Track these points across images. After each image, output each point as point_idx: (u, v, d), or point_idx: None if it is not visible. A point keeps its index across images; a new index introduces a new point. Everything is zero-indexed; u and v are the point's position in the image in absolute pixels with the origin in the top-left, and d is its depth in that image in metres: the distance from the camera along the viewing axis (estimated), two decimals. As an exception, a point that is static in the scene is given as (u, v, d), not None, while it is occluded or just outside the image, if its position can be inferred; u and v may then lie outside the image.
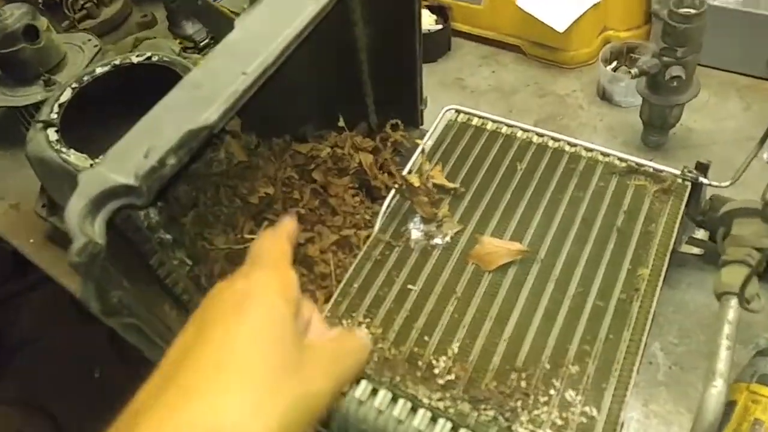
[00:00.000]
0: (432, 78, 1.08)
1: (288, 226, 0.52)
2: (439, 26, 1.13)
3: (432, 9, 1.15)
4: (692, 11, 0.75)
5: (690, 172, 0.71)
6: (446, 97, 0.82)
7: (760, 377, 0.61)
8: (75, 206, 0.44)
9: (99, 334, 1.89)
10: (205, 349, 0.37)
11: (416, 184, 0.69)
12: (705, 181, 0.70)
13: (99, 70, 0.90)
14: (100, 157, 0.55)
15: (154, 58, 0.92)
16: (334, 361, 0.44)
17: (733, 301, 0.55)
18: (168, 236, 0.57)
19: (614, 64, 1.03)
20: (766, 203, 0.49)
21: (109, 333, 1.85)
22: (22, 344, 2.01)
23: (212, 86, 0.53)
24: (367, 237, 0.72)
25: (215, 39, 1.11)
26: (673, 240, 0.67)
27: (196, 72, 0.55)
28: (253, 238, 0.73)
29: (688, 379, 0.70)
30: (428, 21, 1.13)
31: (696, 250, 0.74)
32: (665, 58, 0.80)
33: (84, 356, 1.90)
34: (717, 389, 0.51)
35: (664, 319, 0.74)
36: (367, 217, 0.80)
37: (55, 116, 0.85)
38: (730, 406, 0.60)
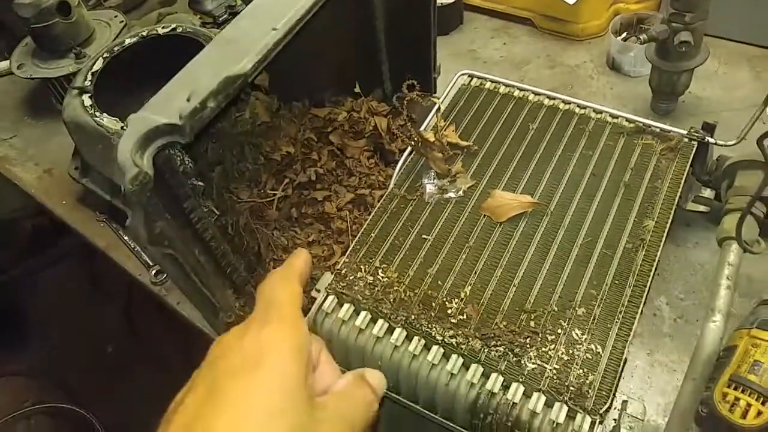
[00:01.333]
0: (445, 50, 1.11)
1: (298, 264, 0.50)
2: (452, 0, 1.15)
3: (445, -17, 1.17)
4: (700, -24, 0.78)
5: (696, 132, 0.74)
6: (459, 68, 0.84)
7: (761, 323, 0.63)
8: (126, 144, 0.48)
9: (113, 310, 1.95)
10: (220, 417, 0.35)
11: (431, 139, 0.72)
12: (711, 140, 0.73)
13: (128, 41, 0.95)
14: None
15: (179, 29, 0.96)
16: (343, 420, 0.42)
17: (734, 245, 0.58)
18: (200, 183, 0.61)
19: (624, 34, 1.05)
20: (760, 142, 0.51)
21: (124, 308, 1.91)
22: (40, 320, 2.08)
23: (245, 41, 0.56)
24: (382, 196, 0.75)
25: (238, 11, 1.15)
26: (678, 194, 0.69)
27: (228, 30, 0.58)
28: (275, 194, 0.77)
29: (692, 331, 0.73)
30: (441, -5, 1.16)
31: (702, 208, 0.77)
32: (674, 24, 0.82)
33: (98, 332, 1.96)
34: (716, 324, 0.54)
35: (671, 274, 0.77)
36: (381, 178, 0.84)
37: (89, 83, 0.89)
38: (730, 350, 0.63)
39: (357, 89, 0.87)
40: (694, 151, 0.73)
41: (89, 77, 0.89)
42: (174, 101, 0.50)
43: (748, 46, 1.02)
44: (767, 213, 0.62)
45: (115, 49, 0.92)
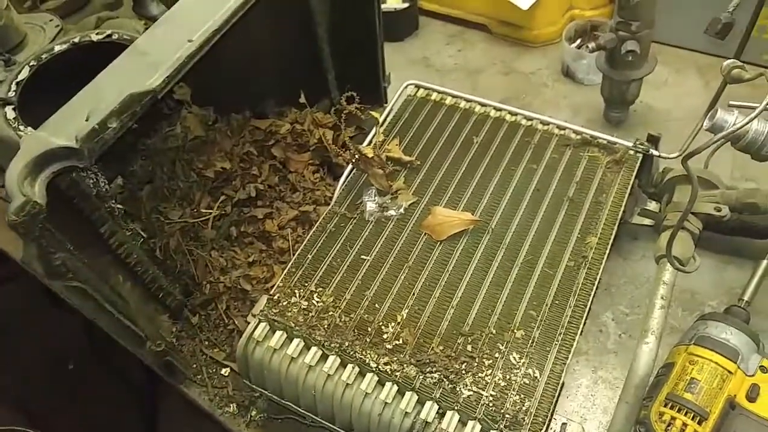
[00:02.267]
0: (398, 57, 1.09)
1: None
2: (406, 4, 1.13)
3: (399, -12, 1.15)
4: (644, -14, 0.76)
5: (642, 144, 0.72)
6: (412, 76, 0.82)
7: (698, 339, 0.62)
8: (15, 168, 0.45)
9: (73, 325, 1.89)
10: None
11: (370, 155, 0.70)
12: (655, 152, 0.72)
13: (58, 48, 0.90)
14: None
15: (114, 36, 0.91)
16: None
17: (669, 264, 0.57)
18: (119, 206, 0.58)
19: (578, 42, 1.03)
20: (684, 161, 0.50)
21: (84, 324, 1.85)
22: (-4, 340, 2.00)
23: (157, 53, 0.53)
24: (327, 212, 0.72)
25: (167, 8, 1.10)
26: (622, 209, 0.68)
27: (142, 40, 0.55)
28: (210, 212, 0.74)
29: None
30: (395, 0, 1.13)
31: (647, 222, 0.75)
32: (621, 33, 0.81)
33: (58, 348, 1.90)
34: (649, 346, 0.52)
35: (617, 289, 0.76)
36: (328, 193, 0.81)
37: (13, 94, 0.84)
38: (668, 367, 0.62)
39: (302, 99, 0.84)
40: (639, 163, 0.72)
41: (13, 87, 0.84)
42: (73, 120, 0.47)
43: (699, 54, 1.01)
44: (702, 229, 0.60)
45: (43, 56, 0.87)
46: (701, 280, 0.75)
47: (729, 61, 0.53)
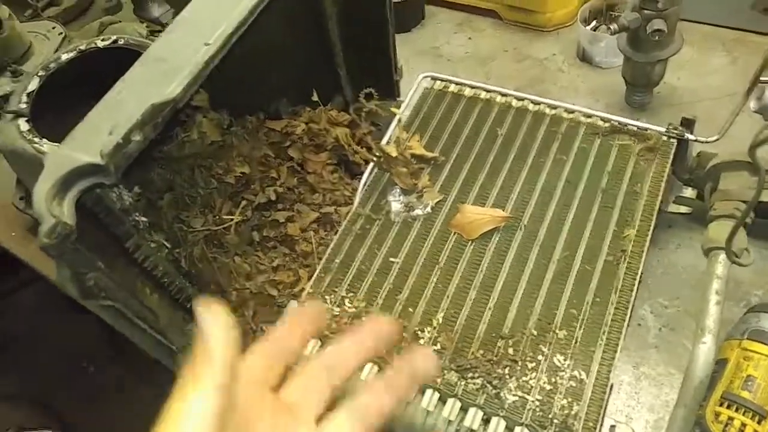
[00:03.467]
0: (407, 48, 1.06)
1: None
2: (412, -6, 1.10)
3: (405, -23, 1.12)
4: (670, -38, 0.73)
5: (675, 128, 0.70)
6: (422, 67, 0.80)
7: (752, 333, 0.60)
8: (42, 188, 0.43)
9: (93, 328, 1.89)
10: None
11: (394, 154, 0.67)
12: (691, 137, 0.69)
13: (65, 57, 0.87)
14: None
15: (120, 42, 0.89)
16: None
17: (722, 256, 0.54)
18: (143, 219, 0.55)
19: (594, 23, 1.00)
20: (752, 152, 0.47)
21: (103, 326, 1.86)
22: (17, 340, 2.01)
23: (174, 59, 0.51)
24: (348, 213, 0.70)
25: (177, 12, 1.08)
26: (659, 199, 0.65)
27: (156, 46, 0.53)
28: (231, 219, 0.72)
29: (679, 340, 0.69)
30: (402, -10, 1.10)
31: (684, 209, 0.73)
32: (646, 11, 0.78)
33: (79, 351, 1.90)
34: (707, 345, 0.50)
35: (654, 281, 0.73)
36: (347, 193, 0.79)
37: (25, 106, 0.82)
38: (721, 363, 0.60)
39: (315, 97, 0.81)
40: (674, 149, 0.69)
41: (24, 99, 0.82)
42: (96, 134, 0.45)
43: (723, 29, 0.98)
44: (755, 219, 0.58)
45: (51, 66, 0.85)
46: (746, 269, 0.72)
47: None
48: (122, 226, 0.54)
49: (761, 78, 0.73)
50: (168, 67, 0.50)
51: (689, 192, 0.72)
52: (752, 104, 0.58)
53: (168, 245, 0.65)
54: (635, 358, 0.68)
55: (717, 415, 0.56)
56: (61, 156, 0.46)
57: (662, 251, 0.75)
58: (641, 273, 0.60)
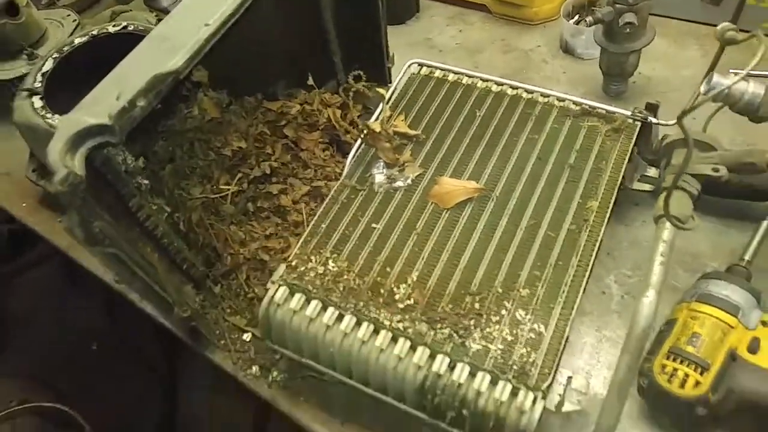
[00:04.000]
0: (401, 39, 1.12)
1: None
2: (408, -12, 1.16)
3: (401, -29, 1.18)
4: (639, -42, 0.79)
5: (640, 112, 0.75)
6: (414, 56, 0.85)
7: (700, 296, 0.65)
8: (55, 145, 0.49)
9: (94, 308, 1.96)
10: None
11: (377, 129, 0.73)
12: (654, 120, 0.75)
13: (78, 41, 0.94)
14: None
15: (130, 27, 0.95)
16: None
17: (668, 223, 0.60)
18: (145, 182, 0.61)
19: (576, 18, 1.06)
20: (679, 120, 0.53)
21: (104, 306, 1.92)
22: (22, 320, 2.08)
23: (177, 38, 0.57)
24: (337, 186, 0.76)
25: None
26: (621, 174, 0.71)
27: (161, 27, 0.59)
28: (228, 189, 0.78)
29: (640, 307, 0.74)
30: (397, -16, 1.16)
31: (647, 187, 0.78)
32: (618, 5, 0.84)
33: (81, 330, 1.97)
34: (649, 299, 0.55)
35: (619, 253, 0.79)
36: (338, 170, 0.85)
37: (39, 85, 0.88)
38: (671, 323, 0.65)
39: (310, 81, 0.87)
40: (637, 131, 0.74)
41: (39, 78, 0.88)
42: (103, 101, 0.51)
43: (697, 24, 1.03)
44: (701, 190, 0.63)
45: (65, 49, 0.91)
46: (703, 243, 0.78)
47: (723, 24, 0.56)
48: (126, 188, 0.61)
49: (731, 70, 0.79)
50: (171, 44, 0.57)
51: (653, 172, 0.78)
52: (702, 87, 0.63)
53: (168, 209, 0.71)
54: (598, 322, 0.73)
55: (663, 367, 0.61)
56: (73, 119, 0.52)
57: (628, 227, 0.81)
58: (601, 240, 0.66)
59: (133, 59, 0.56)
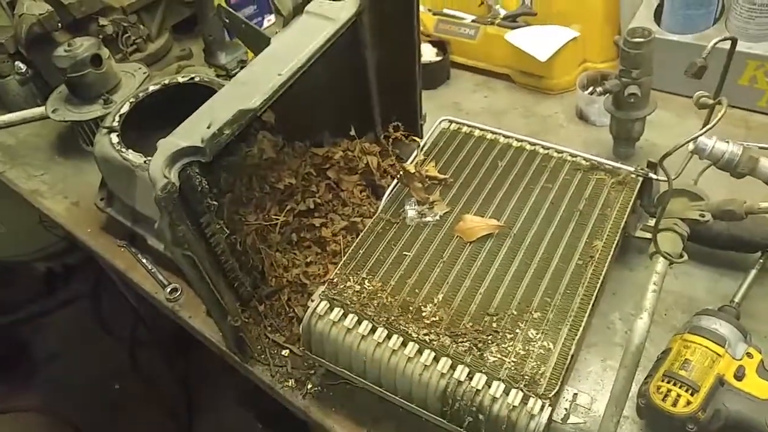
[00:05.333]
0: (432, 102, 1.25)
1: None
2: (439, 58, 1.30)
3: (433, 43, 1.32)
4: (642, 40, 0.91)
5: (642, 169, 0.86)
6: (444, 117, 0.98)
7: (692, 328, 0.73)
8: (157, 161, 0.60)
9: (118, 350, 2.04)
10: None
11: (412, 170, 0.84)
12: (653, 176, 0.85)
13: (152, 88, 1.08)
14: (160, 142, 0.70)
15: (197, 79, 1.10)
16: None
17: (661, 258, 0.69)
18: (214, 202, 0.72)
19: (590, 89, 1.18)
20: (660, 162, 0.63)
21: (128, 350, 2.00)
22: (48, 358, 2.16)
23: (255, 83, 0.69)
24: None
25: (254, 54, 1.29)
26: (624, 219, 0.81)
27: (242, 74, 0.72)
28: (278, 218, 0.89)
29: (642, 342, 0.82)
30: (430, 53, 1.31)
31: (649, 235, 0.87)
32: (623, 79, 0.96)
33: (104, 370, 2.05)
34: (643, 320, 0.64)
35: (624, 294, 0.87)
36: (372, 209, 0.95)
37: (117, 124, 1.02)
38: (666, 352, 0.73)
39: (352, 132, 0.99)
40: (639, 184, 0.85)
41: (117, 119, 1.02)
42: (196, 129, 0.62)
43: (696, 99, 1.15)
44: (698, 239, 0.73)
45: (140, 95, 1.05)
46: (699, 288, 0.86)
47: (698, 92, 0.67)
48: (200, 205, 0.72)
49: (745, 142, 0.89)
50: (250, 88, 0.69)
51: (653, 222, 0.87)
52: (690, 146, 0.74)
53: (227, 230, 0.81)
54: (603, 353, 0.81)
55: (658, 387, 0.69)
56: (171, 142, 0.64)
57: (632, 272, 0.90)
58: (605, 274, 0.75)
59: (219, 98, 0.68)
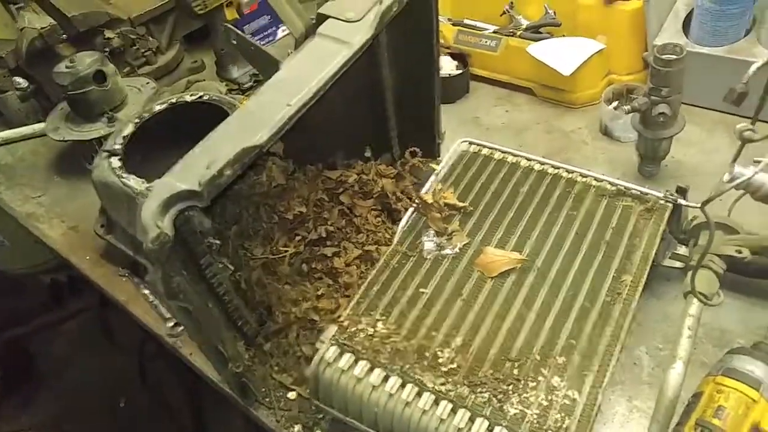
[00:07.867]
0: (452, 117, 1.20)
1: None
2: (459, 71, 1.25)
3: (453, 56, 1.28)
4: (673, 57, 0.86)
5: (671, 194, 0.81)
6: (464, 134, 0.92)
7: (725, 370, 0.68)
8: (149, 206, 0.56)
9: (125, 365, 2.01)
10: None
11: (429, 201, 0.80)
12: (683, 202, 0.80)
13: (157, 108, 1.04)
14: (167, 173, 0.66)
15: (205, 97, 1.06)
16: None
17: (695, 299, 0.64)
18: (216, 241, 0.68)
19: (615, 103, 1.13)
20: (702, 207, 0.58)
21: (136, 365, 1.98)
22: (53, 372, 2.15)
23: (262, 114, 0.65)
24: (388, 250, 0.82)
25: (261, 79, 1.25)
26: (653, 251, 0.76)
27: (249, 103, 0.67)
28: (287, 250, 0.85)
29: (671, 381, 0.77)
30: (449, 66, 1.26)
31: (678, 264, 0.83)
32: (653, 97, 0.90)
33: (111, 385, 2.02)
34: (676, 371, 0.59)
35: (651, 326, 0.83)
36: (388, 235, 0.91)
37: (119, 147, 0.98)
38: (697, 396, 0.68)
39: (367, 154, 0.95)
40: (668, 211, 0.80)
41: (119, 141, 0.97)
42: (194, 168, 0.58)
43: (727, 115, 1.09)
44: (727, 270, 0.68)
45: (145, 115, 1.01)
46: (731, 320, 0.81)
47: (741, 124, 0.62)
48: (200, 246, 0.67)
49: (755, 159, 0.84)
50: (256, 120, 0.64)
51: (683, 250, 0.82)
52: (725, 177, 0.69)
53: (231, 268, 0.77)
54: (629, 392, 0.77)
55: (692, 438, 0.64)
56: (166, 184, 0.60)
57: (660, 301, 0.84)
58: (633, 313, 0.70)
59: (222, 131, 0.63)
